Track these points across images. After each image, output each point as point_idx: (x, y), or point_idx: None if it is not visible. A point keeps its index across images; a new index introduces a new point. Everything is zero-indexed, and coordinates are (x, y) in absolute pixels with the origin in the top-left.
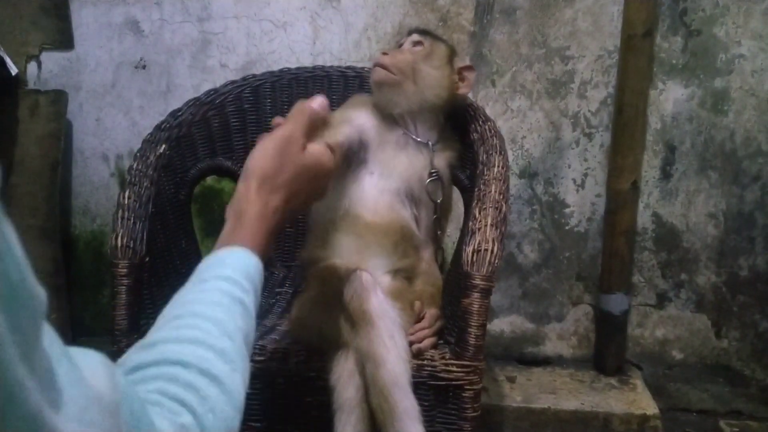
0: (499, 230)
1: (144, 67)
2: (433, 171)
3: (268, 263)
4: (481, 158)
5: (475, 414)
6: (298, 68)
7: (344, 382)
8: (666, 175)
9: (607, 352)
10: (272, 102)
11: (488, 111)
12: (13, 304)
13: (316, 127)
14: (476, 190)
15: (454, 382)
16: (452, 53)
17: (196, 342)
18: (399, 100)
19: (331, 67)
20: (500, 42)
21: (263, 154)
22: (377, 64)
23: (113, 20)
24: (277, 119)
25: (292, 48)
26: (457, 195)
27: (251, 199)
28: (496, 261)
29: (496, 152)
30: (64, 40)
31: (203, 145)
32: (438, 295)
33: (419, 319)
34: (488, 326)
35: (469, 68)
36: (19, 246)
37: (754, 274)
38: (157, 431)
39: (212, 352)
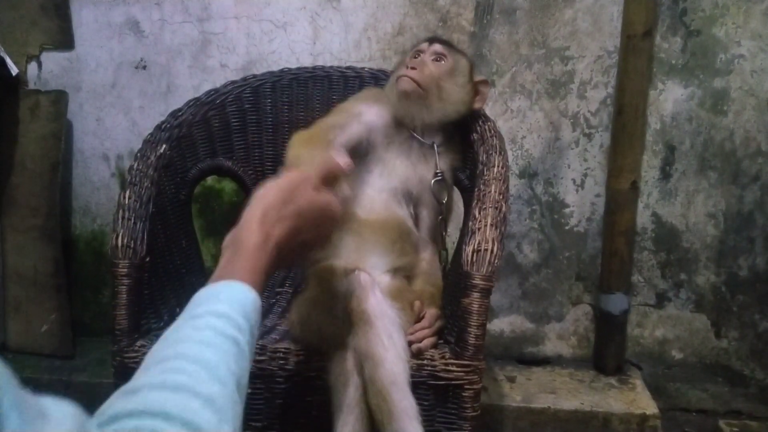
0: (499, 230)
1: (144, 67)
2: (438, 172)
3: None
4: (481, 158)
5: (474, 414)
6: (298, 68)
7: (343, 382)
8: (665, 175)
9: (607, 352)
10: (272, 102)
11: (488, 111)
12: None
13: (334, 179)
14: (476, 190)
15: (453, 382)
16: (472, 68)
17: (182, 389)
18: (422, 113)
19: (331, 67)
20: (500, 42)
21: (275, 184)
22: (406, 75)
23: (113, 20)
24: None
25: (292, 48)
26: (457, 195)
27: (253, 228)
28: (496, 261)
29: (495, 152)
30: (65, 41)
31: (203, 145)
32: (438, 295)
33: (419, 319)
34: (488, 326)
35: (484, 82)
36: None
37: (753, 274)
38: None
39: (199, 401)
